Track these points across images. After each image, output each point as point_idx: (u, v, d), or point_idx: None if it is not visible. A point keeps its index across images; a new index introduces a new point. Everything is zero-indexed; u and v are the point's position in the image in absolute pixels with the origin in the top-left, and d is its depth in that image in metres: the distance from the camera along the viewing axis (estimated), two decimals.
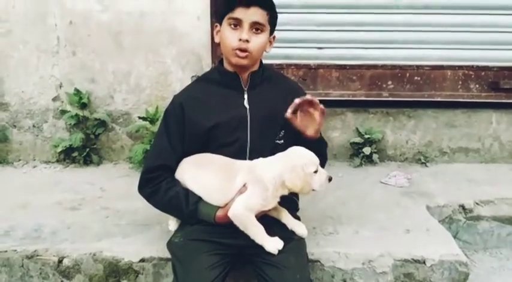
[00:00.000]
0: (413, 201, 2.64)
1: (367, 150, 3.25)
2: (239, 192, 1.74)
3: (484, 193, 2.73)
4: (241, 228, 1.72)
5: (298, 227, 1.86)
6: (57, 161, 3.39)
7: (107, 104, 3.36)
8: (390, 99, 3.30)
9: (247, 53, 1.79)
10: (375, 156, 3.29)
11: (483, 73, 3.26)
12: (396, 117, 3.37)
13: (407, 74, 3.27)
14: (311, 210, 2.42)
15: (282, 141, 1.88)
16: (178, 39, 3.25)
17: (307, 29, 3.26)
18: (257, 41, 1.80)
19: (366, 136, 3.27)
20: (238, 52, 1.79)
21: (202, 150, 1.84)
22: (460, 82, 3.27)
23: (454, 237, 2.52)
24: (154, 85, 3.32)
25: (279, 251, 1.72)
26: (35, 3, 3.21)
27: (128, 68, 3.30)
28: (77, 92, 3.27)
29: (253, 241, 1.72)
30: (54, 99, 3.36)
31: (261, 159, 1.79)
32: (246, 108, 1.85)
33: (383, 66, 3.27)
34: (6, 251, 2.08)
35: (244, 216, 1.71)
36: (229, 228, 1.72)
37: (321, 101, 3.00)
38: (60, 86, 3.33)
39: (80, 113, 3.27)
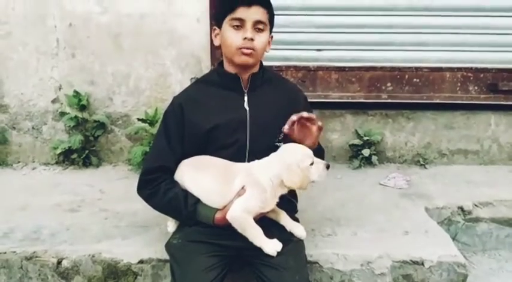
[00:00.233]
0: (412, 203, 2.64)
1: (366, 152, 3.26)
2: (237, 195, 1.74)
3: (482, 195, 2.73)
4: (240, 230, 1.72)
5: (296, 229, 1.86)
6: (57, 162, 3.39)
7: (106, 106, 3.36)
8: (389, 101, 3.31)
9: (252, 50, 1.80)
10: (374, 158, 3.30)
11: (482, 75, 3.27)
12: (395, 119, 3.37)
13: (406, 76, 3.28)
14: (310, 212, 2.43)
15: (282, 143, 1.88)
16: (177, 41, 3.25)
17: (306, 31, 3.27)
18: (260, 39, 1.81)
19: (365, 138, 3.28)
20: (244, 50, 1.79)
21: (202, 151, 1.84)
22: (459, 84, 3.28)
23: (453, 239, 2.53)
24: (153, 87, 3.33)
25: (278, 252, 1.72)
26: (34, 5, 3.22)
27: (127, 70, 3.31)
28: (76, 94, 3.27)
29: (251, 243, 1.72)
30: (54, 101, 3.36)
31: (257, 161, 1.79)
32: (245, 110, 1.85)
33: (382, 68, 3.28)
34: (5, 253, 2.08)
35: (242, 218, 1.71)
36: (228, 230, 1.72)
37: (320, 103, 3.02)
38: (60, 88, 3.34)
39: (79, 115, 3.27)
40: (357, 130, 3.33)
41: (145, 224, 2.31)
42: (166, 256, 1.92)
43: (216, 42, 1.89)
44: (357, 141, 3.30)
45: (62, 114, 3.30)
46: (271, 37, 1.91)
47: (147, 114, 3.17)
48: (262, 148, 1.82)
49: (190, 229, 1.83)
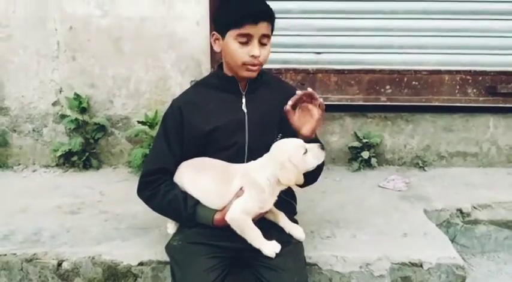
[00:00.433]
0: (411, 205, 2.65)
1: (365, 154, 3.27)
2: (236, 196, 1.75)
3: (481, 197, 2.74)
4: (239, 232, 1.72)
5: (295, 231, 1.87)
6: (57, 165, 3.40)
7: (106, 108, 3.37)
8: (388, 103, 3.32)
9: (258, 66, 1.81)
10: (373, 161, 3.31)
11: (480, 78, 3.28)
12: (394, 121, 3.38)
13: (405, 79, 3.29)
14: (309, 214, 2.44)
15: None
16: (177, 44, 3.27)
17: (305, 34, 3.28)
18: (265, 52, 1.81)
19: (364, 140, 3.29)
20: (250, 67, 1.79)
21: (201, 153, 1.85)
22: (458, 87, 3.29)
23: (452, 241, 2.54)
24: (153, 90, 3.34)
25: (277, 254, 1.72)
26: (35, 8, 3.23)
27: (128, 73, 3.32)
28: (77, 96, 3.28)
29: (250, 244, 1.73)
30: (54, 103, 3.37)
31: (252, 162, 1.79)
32: (244, 112, 1.86)
33: (381, 71, 3.29)
34: (5, 255, 2.08)
35: (241, 220, 1.72)
36: (227, 231, 1.73)
37: None
38: (60, 91, 3.35)
39: (80, 117, 3.29)
40: (356, 132, 3.34)
41: (145, 226, 2.32)
42: (166, 258, 1.92)
43: (217, 49, 1.86)
44: (356, 144, 3.31)
45: (63, 116, 3.31)
46: None
47: (147, 116, 3.18)
48: (261, 149, 1.82)
49: (190, 231, 1.84)
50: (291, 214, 1.99)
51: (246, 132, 1.85)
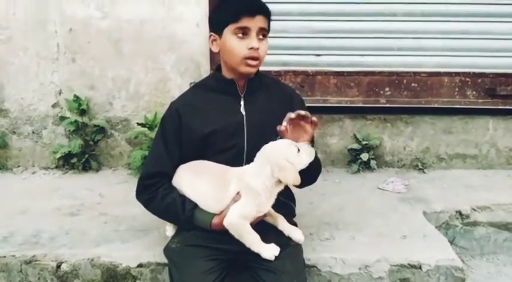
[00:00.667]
0: (411, 207, 2.65)
1: (364, 156, 3.27)
2: (233, 201, 1.74)
3: (480, 199, 2.74)
4: (237, 236, 1.72)
5: (294, 233, 1.86)
6: (56, 167, 3.40)
7: (106, 110, 3.38)
8: (388, 105, 3.32)
9: (258, 61, 1.81)
10: (373, 163, 3.31)
11: (480, 80, 3.28)
12: (394, 123, 3.39)
13: (405, 81, 3.30)
14: (308, 216, 2.44)
15: None
16: (177, 46, 3.27)
17: (305, 36, 3.29)
18: (264, 47, 1.82)
19: (364, 142, 3.29)
20: (249, 61, 1.79)
21: (200, 156, 1.85)
22: (457, 89, 3.29)
23: (451, 243, 2.54)
24: (153, 92, 3.35)
25: (276, 256, 1.72)
26: (35, 10, 3.24)
27: (127, 75, 3.33)
28: (76, 98, 3.29)
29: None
30: (54, 105, 3.38)
31: (246, 166, 1.78)
32: (242, 114, 1.86)
33: (380, 73, 3.30)
34: (5, 257, 2.08)
35: (239, 224, 1.71)
36: (225, 234, 1.73)
37: (319, 108, 3.02)
38: (60, 93, 3.36)
39: (79, 119, 3.29)
40: (355, 134, 3.35)
41: (144, 228, 2.32)
42: (165, 260, 1.92)
43: (215, 49, 1.87)
44: (355, 146, 3.31)
45: (62, 118, 3.31)
46: None
47: (146, 118, 3.18)
48: None
49: (189, 233, 1.83)
50: (290, 216, 1.99)
51: (245, 134, 1.85)
